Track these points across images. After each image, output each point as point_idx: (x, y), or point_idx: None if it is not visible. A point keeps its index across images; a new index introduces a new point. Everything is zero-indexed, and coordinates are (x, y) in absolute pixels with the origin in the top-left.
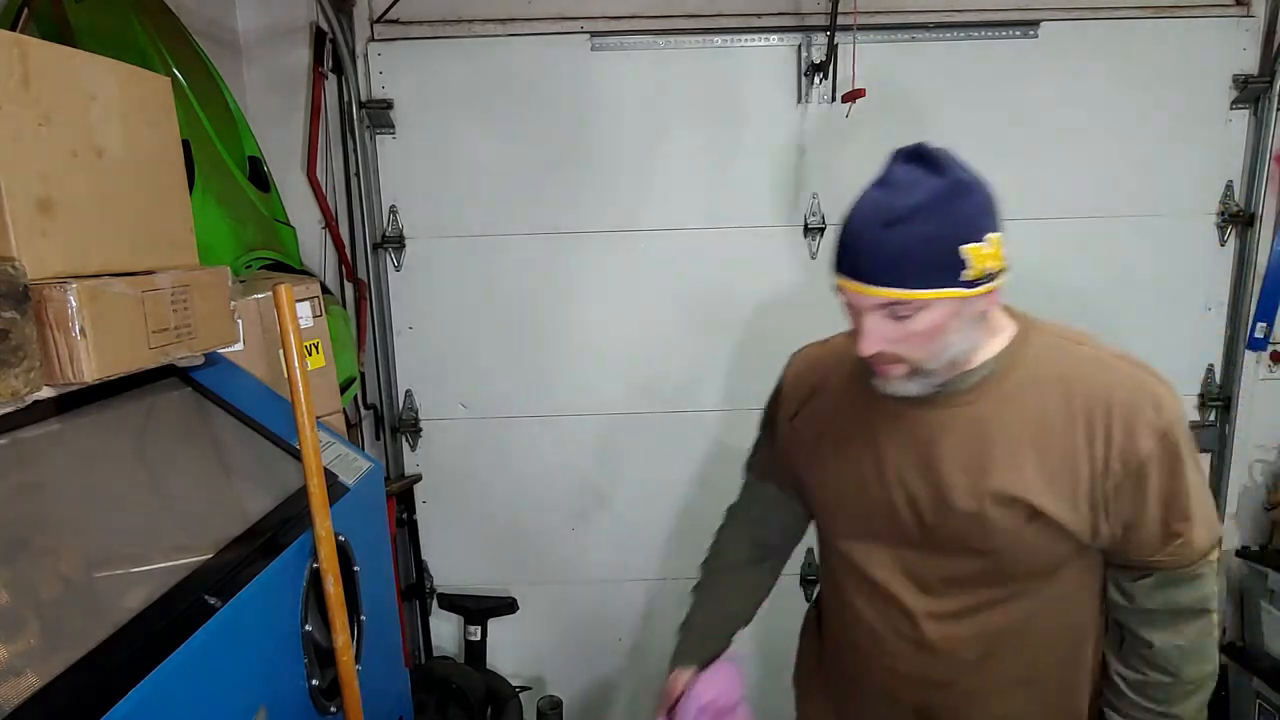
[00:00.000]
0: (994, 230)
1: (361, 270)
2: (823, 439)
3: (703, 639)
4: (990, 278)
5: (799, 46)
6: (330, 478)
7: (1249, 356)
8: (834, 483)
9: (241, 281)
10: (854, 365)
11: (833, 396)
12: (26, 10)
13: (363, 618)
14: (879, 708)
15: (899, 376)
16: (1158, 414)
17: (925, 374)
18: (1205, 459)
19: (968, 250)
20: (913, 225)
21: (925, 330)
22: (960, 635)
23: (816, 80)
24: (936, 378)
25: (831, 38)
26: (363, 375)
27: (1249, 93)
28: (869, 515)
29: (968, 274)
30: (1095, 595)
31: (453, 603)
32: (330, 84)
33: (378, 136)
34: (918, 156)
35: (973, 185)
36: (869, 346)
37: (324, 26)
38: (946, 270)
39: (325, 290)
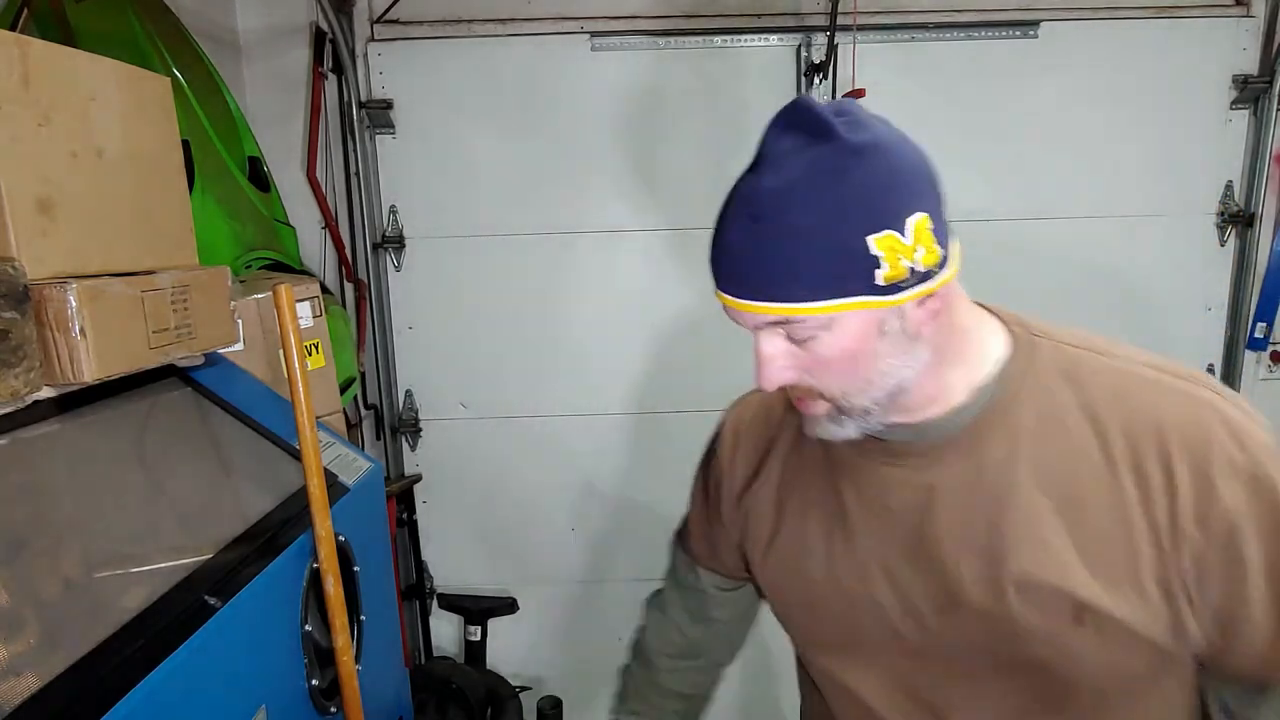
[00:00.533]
0: (919, 210)
1: (361, 270)
2: (780, 514)
3: None
4: (920, 278)
5: (799, 46)
6: (330, 478)
7: (1249, 356)
8: (794, 576)
9: (241, 281)
10: None
11: (788, 457)
12: (26, 10)
13: (363, 618)
14: None
15: (822, 415)
16: (1240, 447)
17: (857, 412)
18: None
19: (877, 242)
20: (789, 214)
21: (835, 357)
22: None
23: (816, 80)
24: (876, 416)
25: (831, 38)
26: (363, 375)
27: (1249, 93)
28: (848, 619)
29: (882, 275)
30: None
31: (453, 603)
32: (330, 84)
33: (378, 136)
34: (797, 121)
35: (880, 148)
36: (768, 379)
37: (324, 26)
38: (848, 273)
39: (325, 290)
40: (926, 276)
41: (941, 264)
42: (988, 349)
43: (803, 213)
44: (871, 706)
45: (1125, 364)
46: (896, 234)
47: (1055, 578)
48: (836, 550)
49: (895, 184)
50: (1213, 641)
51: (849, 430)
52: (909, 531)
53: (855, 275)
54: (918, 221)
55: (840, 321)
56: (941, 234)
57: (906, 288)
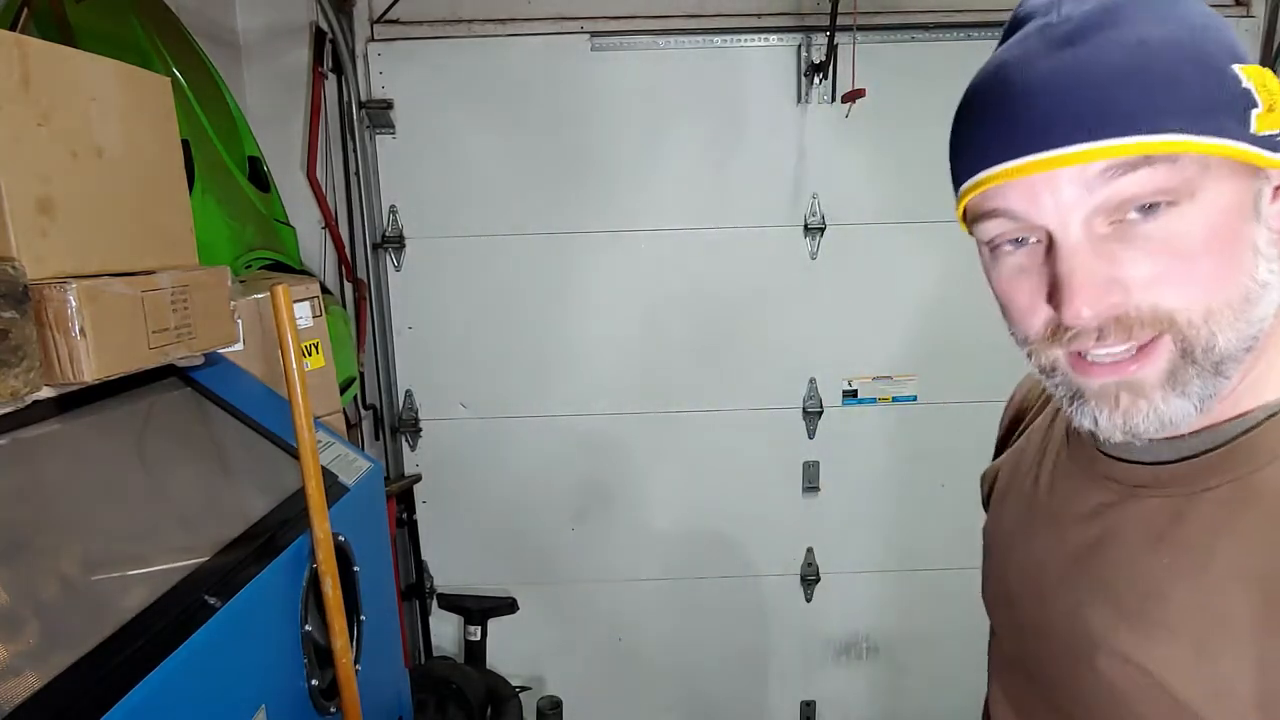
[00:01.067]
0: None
1: (361, 270)
2: (1002, 500)
3: None
4: None
5: (799, 46)
6: (330, 478)
7: None
8: (992, 573)
9: (241, 281)
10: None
11: (1032, 434)
12: (26, 10)
13: (362, 618)
14: None
15: (1154, 377)
16: None
17: (1207, 361)
18: None
19: (1246, 73)
20: (1126, 26)
21: (1204, 244)
22: None
23: (816, 80)
24: (1225, 372)
25: (831, 38)
26: (363, 375)
27: None
28: (1012, 633)
29: (1257, 117)
30: None
31: (453, 603)
32: (330, 84)
33: (378, 136)
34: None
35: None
36: (1089, 301)
37: (324, 26)
38: (1225, 101)
39: (325, 290)
40: None
41: None
42: None
43: (1147, 23)
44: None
45: None
46: (1266, 74)
47: (1191, 697)
48: (1027, 558)
49: (1225, 28)
50: None
51: (1185, 406)
52: (1083, 564)
53: (1230, 112)
54: (1267, 72)
55: (1206, 183)
56: None
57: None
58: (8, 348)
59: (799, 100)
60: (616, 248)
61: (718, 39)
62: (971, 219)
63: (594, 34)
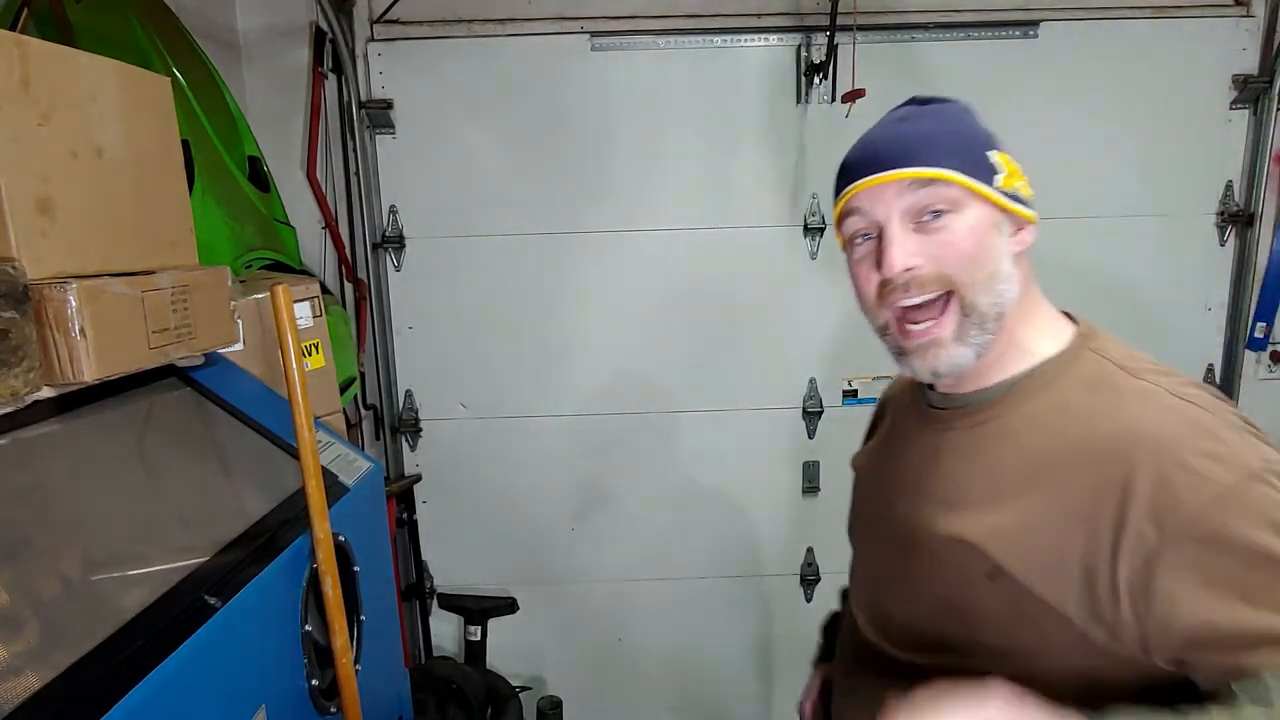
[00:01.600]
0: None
1: (361, 270)
2: (870, 455)
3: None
4: (1021, 202)
5: (799, 46)
6: (330, 478)
7: (1249, 356)
8: (859, 498)
9: (241, 281)
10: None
11: (892, 415)
12: (26, 10)
13: (363, 618)
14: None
15: (949, 338)
16: (1225, 469)
17: (976, 318)
18: None
19: (998, 155)
20: (934, 118)
21: (964, 236)
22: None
23: (816, 80)
24: (988, 332)
25: (831, 38)
26: (363, 375)
27: (1249, 93)
28: (866, 533)
29: (1000, 180)
30: None
31: (453, 603)
32: (330, 84)
33: (378, 136)
34: (911, 102)
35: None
36: (897, 258)
37: (324, 26)
38: (980, 165)
39: (325, 290)
40: (1024, 204)
41: (1030, 203)
42: (1043, 341)
43: (945, 120)
44: (855, 608)
45: (1147, 385)
46: (1007, 155)
47: (982, 541)
48: (882, 481)
49: (991, 133)
50: (1169, 647)
51: (966, 353)
52: (914, 477)
53: (982, 171)
54: (1014, 164)
55: (970, 204)
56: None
57: (1015, 201)
58: (8, 348)
59: (799, 100)
60: (616, 248)
61: (718, 39)
62: (839, 219)
63: (594, 34)
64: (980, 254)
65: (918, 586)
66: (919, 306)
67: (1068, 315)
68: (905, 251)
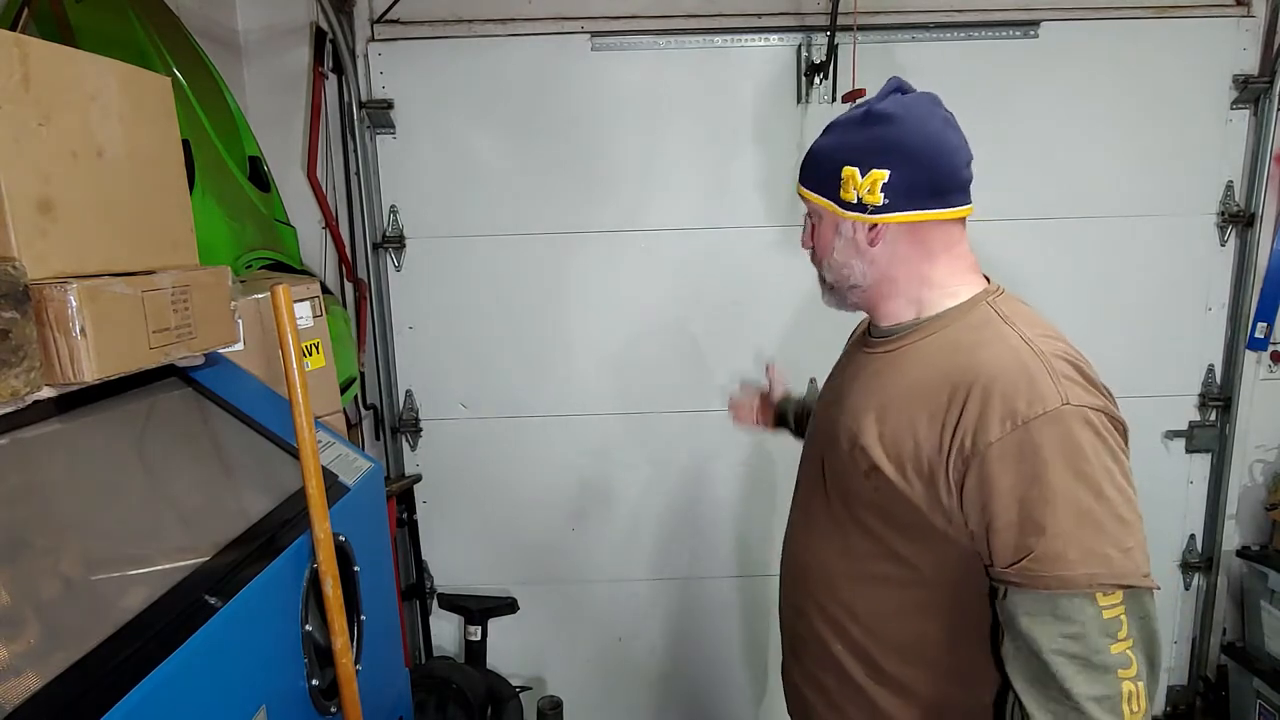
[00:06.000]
0: (884, 168)
1: (361, 270)
2: (831, 374)
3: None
4: (864, 209)
5: (799, 46)
6: (330, 478)
7: (1249, 356)
8: (811, 428)
9: (242, 281)
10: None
11: (846, 347)
12: (26, 10)
13: (363, 618)
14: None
15: (823, 292)
16: (1028, 405)
17: (828, 285)
18: (1205, 459)
19: (845, 171)
20: (825, 137)
21: (819, 237)
22: (826, 558)
23: (816, 80)
24: (838, 296)
25: (831, 38)
26: (363, 375)
27: (1249, 93)
28: (808, 448)
29: (842, 193)
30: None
31: (453, 603)
32: (330, 84)
33: (378, 136)
34: (893, 86)
35: (889, 118)
36: (802, 239)
37: (324, 26)
38: (828, 182)
39: (325, 290)
40: (869, 210)
41: (882, 210)
42: (946, 298)
43: (827, 139)
44: (797, 498)
45: (1012, 331)
46: (857, 171)
47: (869, 444)
48: (824, 398)
49: (878, 144)
50: (978, 537)
51: (832, 301)
52: (840, 393)
53: (830, 188)
54: (877, 173)
55: (823, 213)
56: (897, 192)
57: (853, 209)
58: (8, 348)
59: (799, 100)
60: (617, 247)
61: (718, 39)
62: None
63: (594, 34)
64: (825, 248)
65: (823, 472)
66: None
67: (987, 279)
68: (803, 236)
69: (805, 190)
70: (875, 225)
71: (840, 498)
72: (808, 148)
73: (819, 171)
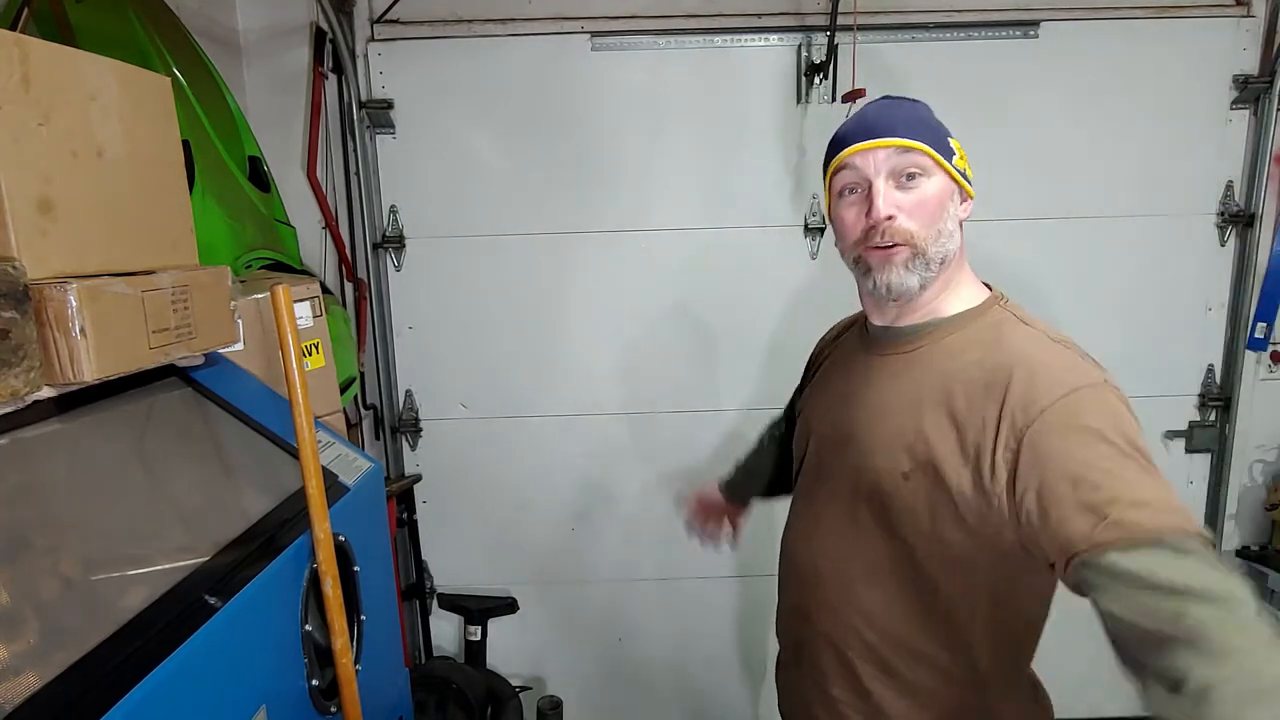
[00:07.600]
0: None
1: (361, 270)
2: (820, 380)
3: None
4: (967, 179)
5: (799, 46)
6: (330, 478)
7: (1249, 356)
8: (809, 414)
9: (242, 281)
10: (861, 323)
11: (832, 354)
12: (26, 10)
13: (363, 618)
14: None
15: (901, 262)
16: (1074, 376)
17: (924, 259)
18: (1204, 459)
19: (952, 141)
20: (911, 107)
21: (932, 197)
22: (829, 551)
23: (816, 80)
24: (930, 270)
25: (831, 38)
26: (363, 375)
27: (1249, 93)
28: (812, 453)
29: (955, 159)
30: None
31: (453, 603)
32: (330, 84)
33: (378, 136)
34: (887, 98)
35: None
36: (885, 207)
37: (324, 26)
38: (944, 147)
39: (325, 290)
40: (969, 182)
41: (972, 183)
42: (960, 301)
43: (919, 109)
44: (799, 501)
45: (1032, 331)
46: (959, 144)
47: (911, 444)
48: (830, 399)
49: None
50: (1031, 522)
51: (913, 280)
52: (851, 394)
53: (945, 151)
54: (958, 143)
55: (935, 173)
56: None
57: (965, 179)
58: (8, 348)
59: (799, 100)
60: (616, 248)
61: (718, 39)
62: (832, 175)
63: (594, 34)
64: (937, 211)
65: (844, 475)
66: (886, 248)
67: (988, 286)
68: (888, 203)
69: (922, 145)
70: (968, 201)
71: (865, 501)
72: (871, 118)
73: (934, 133)
